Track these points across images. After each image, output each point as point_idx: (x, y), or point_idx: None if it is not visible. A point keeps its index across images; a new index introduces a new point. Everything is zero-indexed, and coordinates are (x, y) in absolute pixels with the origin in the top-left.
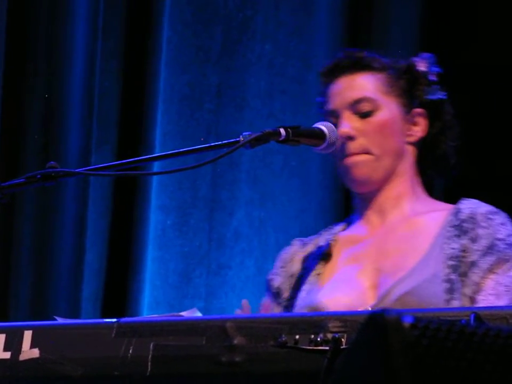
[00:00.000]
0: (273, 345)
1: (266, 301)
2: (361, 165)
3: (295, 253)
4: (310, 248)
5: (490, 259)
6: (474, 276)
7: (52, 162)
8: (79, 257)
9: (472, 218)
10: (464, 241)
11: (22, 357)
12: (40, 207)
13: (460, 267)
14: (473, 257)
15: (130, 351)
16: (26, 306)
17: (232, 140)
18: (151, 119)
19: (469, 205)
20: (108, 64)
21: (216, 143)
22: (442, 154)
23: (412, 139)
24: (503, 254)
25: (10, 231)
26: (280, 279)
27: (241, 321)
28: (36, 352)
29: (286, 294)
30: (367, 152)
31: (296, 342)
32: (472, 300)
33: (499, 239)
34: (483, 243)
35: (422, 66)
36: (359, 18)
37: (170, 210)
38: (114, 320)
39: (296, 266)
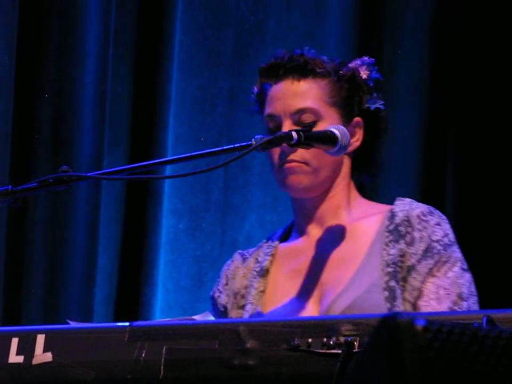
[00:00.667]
0: (286, 348)
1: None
2: (299, 173)
3: (236, 269)
4: (250, 263)
5: (428, 262)
6: (414, 281)
7: (64, 166)
8: (92, 261)
9: (407, 221)
10: (402, 245)
11: (35, 361)
12: (53, 211)
13: (399, 273)
14: (411, 261)
15: (143, 355)
16: (39, 310)
17: (244, 143)
18: (163, 123)
19: (403, 207)
20: (120, 68)
21: (228, 147)
22: (374, 160)
23: (349, 149)
24: (440, 256)
25: (22, 235)
26: (225, 297)
27: (254, 325)
28: (48, 356)
29: (232, 313)
30: (306, 163)
31: (309, 345)
32: (414, 305)
33: (435, 241)
34: (420, 246)
35: (364, 74)
36: (371, 22)
37: (183, 214)
38: (127, 324)
39: (238, 284)
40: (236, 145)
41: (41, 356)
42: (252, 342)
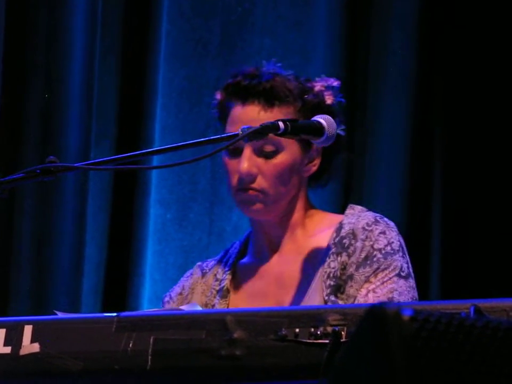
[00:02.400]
0: (273, 338)
1: None
2: (256, 202)
3: (195, 283)
4: (209, 279)
5: (366, 270)
6: (351, 289)
7: (51, 156)
8: (79, 251)
9: (351, 233)
10: (344, 258)
11: (23, 351)
12: (40, 201)
13: (339, 285)
14: (350, 270)
15: (131, 345)
16: (27, 300)
17: (231, 134)
18: (150, 113)
19: (351, 219)
20: (107, 59)
21: (215, 137)
22: (329, 177)
23: (306, 174)
24: (379, 264)
25: (10, 225)
26: (173, 306)
27: (241, 315)
28: (36, 347)
29: None
30: (263, 193)
31: (296, 335)
32: None
33: (377, 249)
34: (360, 255)
35: (329, 99)
36: (359, 11)
37: (170, 204)
38: (114, 314)
39: (197, 300)
40: (222, 135)
41: (29, 346)
42: (239, 332)
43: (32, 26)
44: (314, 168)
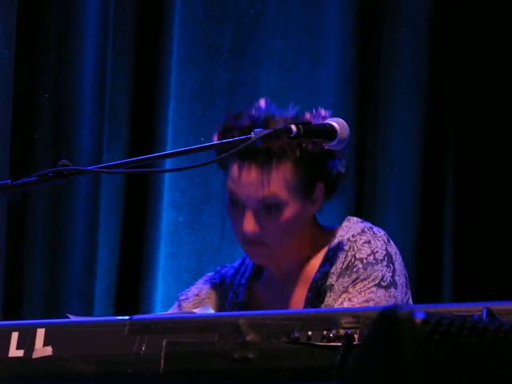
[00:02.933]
0: (286, 341)
1: None
2: (260, 256)
3: (213, 289)
4: (227, 288)
5: (345, 280)
6: (329, 299)
7: (63, 160)
8: (92, 254)
9: (338, 244)
10: (326, 267)
11: (35, 355)
12: (52, 205)
13: (320, 296)
14: (329, 281)
15: (143, 348)
16: (39, 304)
17: (244, 137)
18: (163, 116)
19: (342, 232)
20: (119, 61)
21: (228, 140)
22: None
23: (313, 212)
24: (358, 274)
25: (22, 229)
26: (192, 306)
27: (253, 318)
28: (48, 350)
29: None
30: (270, 248)
31: (309, 338)
32: None
33: (358, 259)
34: (342, 265)
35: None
36: (370, 14)
37: (183, 207)
38: (126, 317)
39: (213, 307)
40: (235, 138)
41: (41, 349)
42: (251, 335)
43: (44, 27)
44: (319, 205)
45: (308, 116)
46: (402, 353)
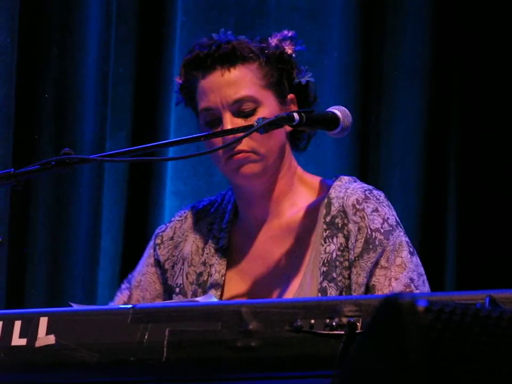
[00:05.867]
0: (289, 329)
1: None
2: (249, 163)
3: (188, 230)
4: (203, 228)
5: (371, 256)
6: (358, 277)
7: (66, 148)
8: (95, 243)
9: (342, 212)
10: (340, 239)
11: (38, 343)
12: (55, 193)
13: (337, 267)
14: (351, 256)
15: (146, 337)
16: (42, 292)
17: (247, 125)
18: (166, 105)
19: (339, 192)
20: (122, 50)
21: (231, 128)
22: (309, 132)
23: (288, 129)
24: (383, 247)
25: (25, 218)
26: (166, 253)
27: (256, 306)
28: (51, 339)
29: (178, 280)
30: (254, 152)
31: (312, 326)
32: None
33: (375, 230)
34: (359, 240)
35: (289, 49)
36: (373, 0)
37: (185, 196)
38: (129, 306)
39: (187, 250)
40: (238, 127)
41: (44, 338)
42: (254, 323)
43: (47, 16)
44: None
45: (270, 39)
46: (404, 341)
